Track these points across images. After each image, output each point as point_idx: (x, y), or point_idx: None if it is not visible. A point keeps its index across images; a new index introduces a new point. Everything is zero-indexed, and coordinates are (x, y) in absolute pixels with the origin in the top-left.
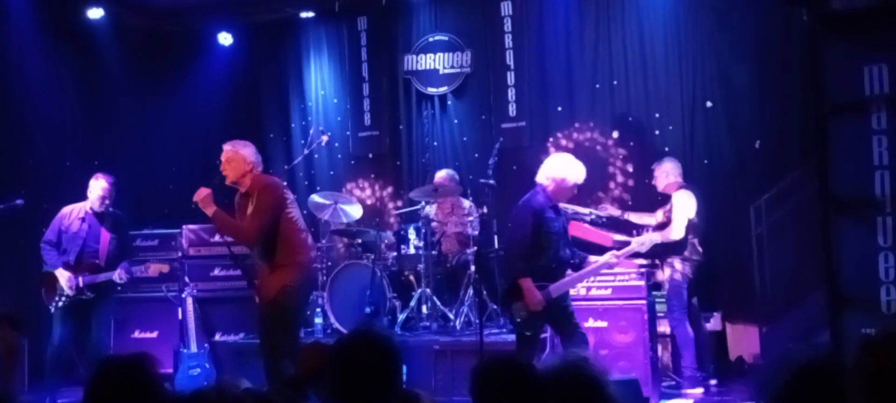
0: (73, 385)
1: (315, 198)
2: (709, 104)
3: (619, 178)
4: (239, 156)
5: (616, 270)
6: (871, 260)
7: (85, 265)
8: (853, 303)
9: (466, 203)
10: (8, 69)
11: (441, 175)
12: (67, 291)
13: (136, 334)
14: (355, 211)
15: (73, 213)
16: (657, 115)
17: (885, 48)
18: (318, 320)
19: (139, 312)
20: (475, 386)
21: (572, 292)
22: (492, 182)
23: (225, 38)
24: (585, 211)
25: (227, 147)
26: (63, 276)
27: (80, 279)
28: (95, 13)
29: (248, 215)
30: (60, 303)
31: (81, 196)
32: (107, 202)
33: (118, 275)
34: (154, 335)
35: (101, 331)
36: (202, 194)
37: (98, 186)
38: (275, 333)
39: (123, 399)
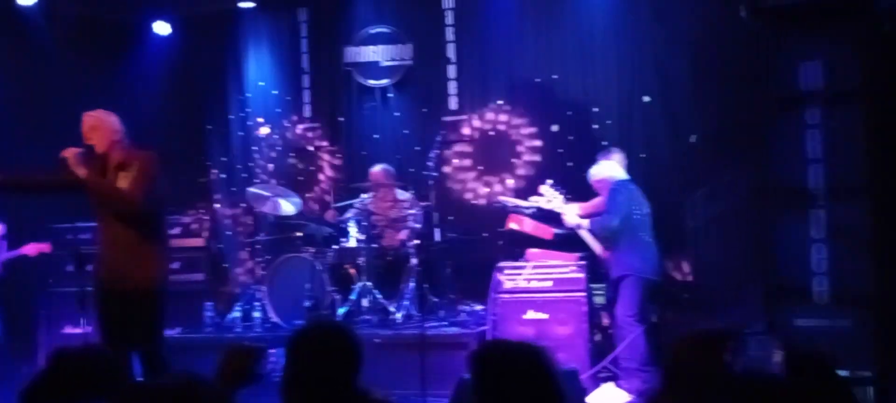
0: None
1: (253, 189)
2: (646, 98)
3: (559, 172)
4: (105, 123)
5: (556, 262)
6: (805, 252)
7: None
8: (787, 294)
9: (405, 195)
10: None
11: (376, 170)
12: None
13: (67, 329)
14: (294, 204)
15: None
16: (596, 109)
17: (820, 44)
18: (257, 314)
19: (70, 307)
20: (478, 370)
21: (512, 284)
22: (436, 174)
23: (162, 28)
24: (526, 204)
25: (88, 115)
26: None
27: None
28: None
29: (130, 182)
30: None
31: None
32: None
33: None
34: (86, 330)
35: None
36: (72, 152)
37: None
38: (161, 319)
39: (81, 392)
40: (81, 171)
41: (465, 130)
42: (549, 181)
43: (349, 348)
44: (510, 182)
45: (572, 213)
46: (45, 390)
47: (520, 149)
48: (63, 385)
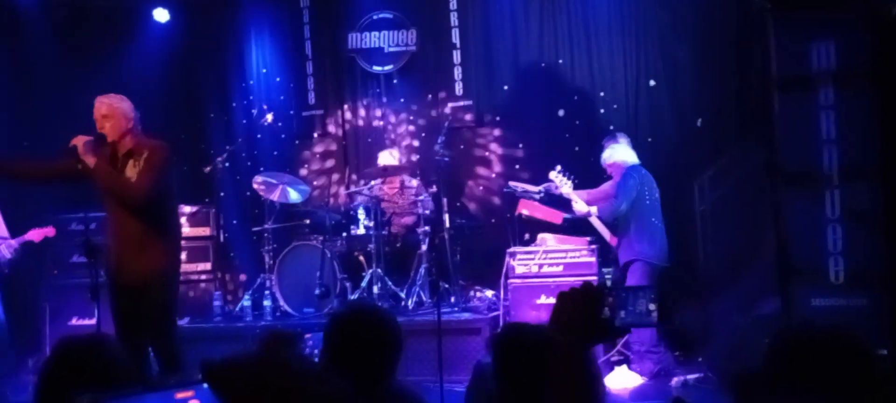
0: None
1: (261, 178)
2: (652, 83)
3: (566, 157)
4: (118, 111)
5: (567, 247)
6: (820, 233)
7: None
8: (802, 275)
9: (413, 182)
10: None
11: (384, 155)
12: None
13: (74, 321)
14: (302, 192)
15: None
16: (602, 94)
17: (833, 25)
18: (267, 302)
19: (76, 299)
20: (500, 353)
21: (524, 270)
22: (446, 158)
23: (161, 15)
24: (535, 189)
25: (101, 100)
26: None
27: None
28: None
29: (138, 173)
30: None
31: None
32: None
33: (7, 248)
34: (93, 322)
35: None
36: (82, 140)
37: None
38: (174, 311)
39: (82, 382)
40: (90, 160)
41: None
42: (558, 167)
43: (389, 332)
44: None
45: (582, 202)
46: (50, 380)
47: (525, 135)
48: (68, 376)
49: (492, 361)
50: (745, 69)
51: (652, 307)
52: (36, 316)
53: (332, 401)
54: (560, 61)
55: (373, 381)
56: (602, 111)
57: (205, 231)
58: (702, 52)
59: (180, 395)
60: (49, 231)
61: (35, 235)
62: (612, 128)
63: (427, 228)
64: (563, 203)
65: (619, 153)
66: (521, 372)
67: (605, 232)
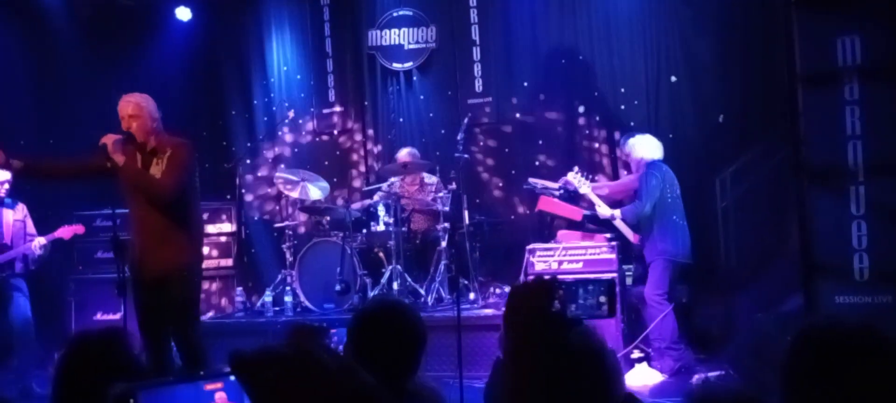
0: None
1: (281, 175)
2: (673, 79)
3: (586, 153)
4: (145, 110)
5: (587, 243)
6: (845, 229)
7: None
8: (826, 272)
9: (433, 179)
10: None
11: (403, 153)
12: None
13: (99, 316)
14: (322, 189)
15: None
16: (622, 90)
17: (858, 19)
18: (288, 298)
19: (101, 293)
20: None
21: (543, 266)
22: (466, 155)
23: (183, 13)
24: (555, 185)
25: (128, 99)
26: None
27: None
28: None
29: (162, 171)
30: None
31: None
32: (7, 187)
33: (38, 245)
34: (117, 316)
35: (22, 310)
36: (112, 139)
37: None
38: (197, 306)
39: (99, 376)
40: (119, 158)
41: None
42: (575, 168)
43: (413, 327)
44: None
45: (603, 204)
46: (66, 373)
47: (546, 131)
48: (83, 369)
49: (503, 357)
50: (769, 64)
51: (603, 300)
52: (62, 311)
53: (361, 394)
54: (580, 57)
55: (397, 377)
56: (622, 107)
57: (227, 227)
58: (724, 47)
59: (209, 386)
60: (78, 228)
61: (65, 232)
62: (632, 124)
63: (446, 225)
64: (582, 199)
65: (639, 148)
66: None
67: (629, 233)
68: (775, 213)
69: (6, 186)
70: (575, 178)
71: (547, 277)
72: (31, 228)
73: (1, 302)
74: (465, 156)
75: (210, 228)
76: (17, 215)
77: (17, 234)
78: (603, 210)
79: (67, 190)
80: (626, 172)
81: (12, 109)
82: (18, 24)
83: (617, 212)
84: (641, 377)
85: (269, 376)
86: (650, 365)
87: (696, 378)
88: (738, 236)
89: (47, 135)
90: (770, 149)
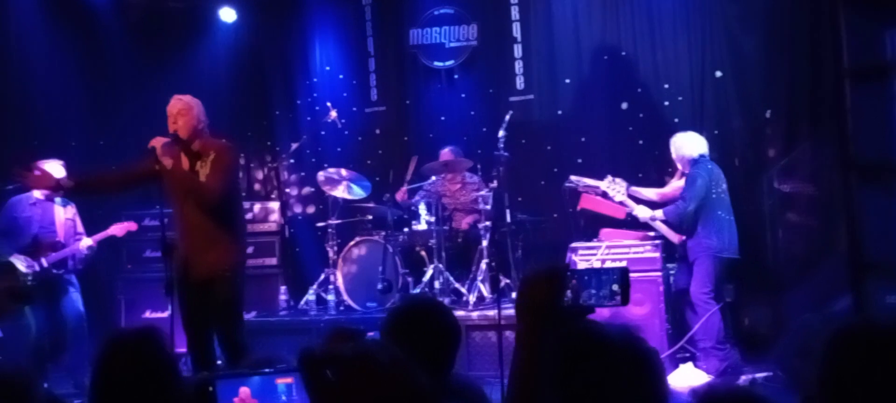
0: (62, 368)
1: (324, 174)
2: (718, 73)
3: (629, 150)
4: (192, 110)
5: (630, 242)
6: (895, 227)
7: (44, 245)
8: (876, 270)
9: (475, 177)
10: (10, 51)
11: (445, 151)
12: (28, 273)
13: (148, 314)
14: (364, 188)
15: (24, 200)
16: (666, 86)
17: None
18: (331, 297)
19: (149, 292)
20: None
21: (586, 265)
22: (506, 153)
23: (228, 15)
24: (597, 183)
25: (177, 99)
26: (19, 261)
27: (43, 259)
28: None
29: (207, 174)
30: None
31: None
32: None
33: (85, 245)
34: (165, 314)
35: (76, 307)
36: (161, 142)
37: (55, 169)
38: (240, 306)
39: (134, 373)
40: (167, 162)
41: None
42: (609, 176)
43: (446, 325)
44: None
45: (643, 209)
46: (102, 371)
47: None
48: (118, 367)
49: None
50: (816, 58)
51: (616, 288)
52: (112, 309)
53: (416, 394)
54: (623, 53)
55: (432, 374)
56: (666, 103)
57: (271, 226)
58: (770, 41)
59: (281, 380)
60: (131, 225)
61: (117, 230)
62: (676, 120)
63: (488, 223)
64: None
65: (683, 146)
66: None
67: (671, 235)
68: (824, 211)
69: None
70: (609, 187)
71: (559, 266)
72: (79, 227)
73: (54, 299)
74: (506, 154)
75: (256, 227)
76: (67, 214)
77: (68, 232)
78: (642, 212)
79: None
80: (669, 177)
81: (65, 111)
82: (70, 28)
83: (658, 213)
84: (686, 377)
85: (327, 376)
86: (696, 366)
87: (742, 379)
88: (785, 234)
89: (98, 136)
90: (818, 145)
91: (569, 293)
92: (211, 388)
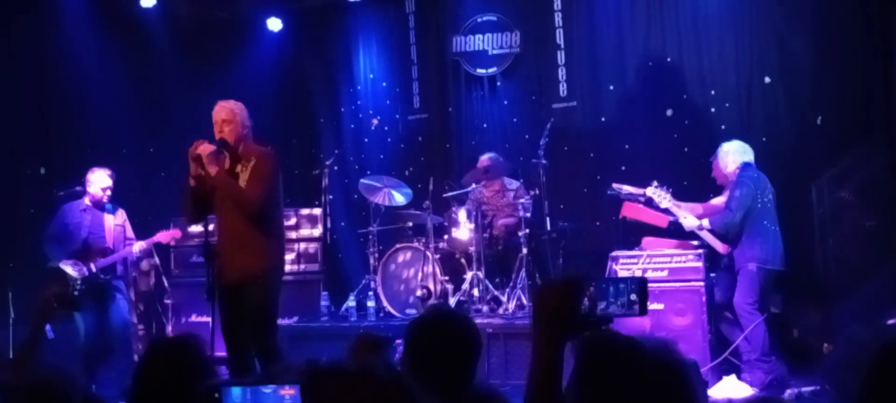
0: (110, 372)
1: (365, 181)
2: (767, 80)
3: (675, 158)
4: (238, 116)
5: (673, 251)
6: None
7: (94, 250)
8: None
9: (514, 184)
10: (63, 61)
11: (484, 159)
12: (78, 278)
13: (194, 318)
14: (405, 195)
15: (75, 207)
16: (713, 92)
17: None
18: (371, 303)
19: (195, 297)
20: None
21: (627, 274)
22: (544, 161)
23: (274, 24)
24: (640, 191)
25: (223, 105)
26: (69, 267)
27: (92, 265)
28: (147, 2)
29: (248, 181)
30: (76, 293)
31: (138, 183)
32: (109, 193)
33: (134, 251)
34: (209, 319)
35: (122, 313)
36: (206, 149)
37: (103, 177)
38: (273, 311)
39: (172, 379)
40: (213, 169)
41: None
42: (654, 182)
43: (466, 336)
44: None
45: (691, 218)
46: (143, 377)
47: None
48: (158, 373)
49: (574, 367)
50: (868, 63)
51: (634, 298)
52: (159, 313)
53: None
54: (668, 59)
55: (454, 385)
56: (713, 110)
57: (314, 232)
58: (821, 46)
59: (284, 392)
60: (176, 232)
61: (163, 237)
62: (723, 127)
63: (528, 231)
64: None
65: (729, 155)
66: (605, 385)
67: (717, 244)
68: (876, 220)
69: (108, 193)
70: (655, 194)
71: (576, 275)
72: (129, 233)
73: (103, 305)
74: (544, 161)
75: (297, 233)
76: (117, 220)
77: (117, 239)
78: (689, 221)
79: (163, 195)
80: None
81: (116, 119)
82: (121, 39)
83: (705, 222)
84: (729, 390)
85: (322, 389)
86: (740, 378)
87: (788, 392)
88: (835, 244)
89: (148, 143)
90: (869, 153)
91: (586, 302)
92: (217, 395)
